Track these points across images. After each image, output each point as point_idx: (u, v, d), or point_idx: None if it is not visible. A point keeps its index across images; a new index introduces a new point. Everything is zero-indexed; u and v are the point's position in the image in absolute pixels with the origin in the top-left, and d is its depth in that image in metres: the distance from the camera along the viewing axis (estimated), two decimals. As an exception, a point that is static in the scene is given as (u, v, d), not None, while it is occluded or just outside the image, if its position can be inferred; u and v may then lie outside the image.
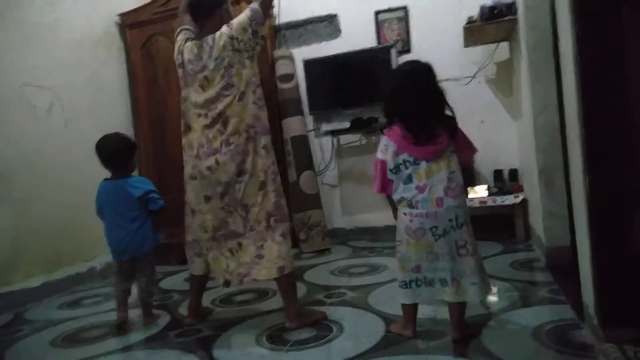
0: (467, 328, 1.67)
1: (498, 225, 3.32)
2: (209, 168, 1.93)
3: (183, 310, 2.31)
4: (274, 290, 2.42)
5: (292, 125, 3.59)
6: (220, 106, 1.91)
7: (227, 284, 2.01)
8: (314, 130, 3.83)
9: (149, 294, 2.19)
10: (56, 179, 3.02)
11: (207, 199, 1.96)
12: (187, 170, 2.04)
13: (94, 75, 3.45)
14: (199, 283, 2.14)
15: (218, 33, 1.94)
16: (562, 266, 2.26)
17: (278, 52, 3.71)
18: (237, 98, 1.91)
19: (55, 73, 3.11)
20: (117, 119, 3.59)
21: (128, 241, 2.09)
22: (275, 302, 2.27)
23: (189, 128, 2.01)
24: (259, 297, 2.43)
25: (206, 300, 2.29)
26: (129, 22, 3.66)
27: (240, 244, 1.95)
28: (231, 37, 1.91)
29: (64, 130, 3.13)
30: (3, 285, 2.66)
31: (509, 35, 3.10)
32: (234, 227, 1.94)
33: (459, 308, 1.63)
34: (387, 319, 1.91)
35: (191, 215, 2.05)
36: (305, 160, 3.58)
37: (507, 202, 3.09)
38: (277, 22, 3.82)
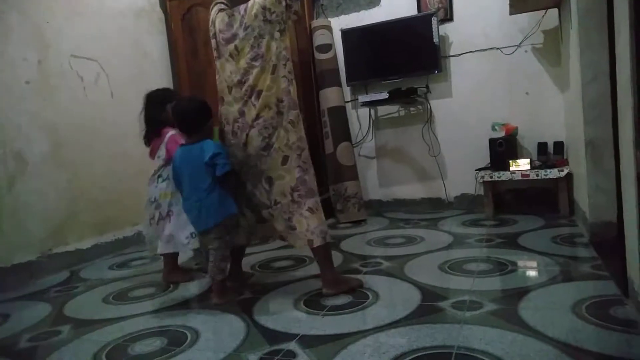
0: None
1: (540, 200, 3.25)
2: (244, 144, 1.96)
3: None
4: (311, 258, 2.48)
5: (330, 96, 3.58)
6: (251, 78, 1.92)
7: (265, 238, 2.22)
8: (351, 101, 3.81)
9: (219, 271, 1.98)
10: (104, 147, 3.16)
11: (241, 173, 2.02)
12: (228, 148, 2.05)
13: (137, 46, 3.54)
14: (239, 250, 2.21)
15: (251, 2, 1.93)
16: (607, 242, 2.21)
17: (316, 22, 3.68)
18: (269, 71, 1.90)
19: (100, 43, 3.21)
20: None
21: (197, 212, 1.95)
22: (313, 268, 2.32)
23: (223, 100, 2.04)
24: (296, 264, 2.50)
25: (246, 265, 2.37)
26: (169, -7, 3.70)
27: (271, 215, 2.00)
28: (264, 8, 1.89)
29: (110, 101, 3.25)
30: (60, 245, 2.86)
31: (558, 1, 2.94)
32: (261, 199, 2.00)
33: None
34: (423, 289, 1.93)
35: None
36: (343, 132, 3.58)
37: (551, 176, 3.00)
38: (315, -9, 3.77)
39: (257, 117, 1.92)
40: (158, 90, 2.47)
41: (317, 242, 1.93)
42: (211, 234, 1.96)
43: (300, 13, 2.04)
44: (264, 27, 1.90)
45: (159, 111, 2.32)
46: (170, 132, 2.31)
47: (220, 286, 2.01)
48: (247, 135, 1.94)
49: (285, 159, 1.94)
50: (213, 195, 1.92)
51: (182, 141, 2.20)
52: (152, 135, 2.36)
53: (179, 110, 2.00)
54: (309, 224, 1.93)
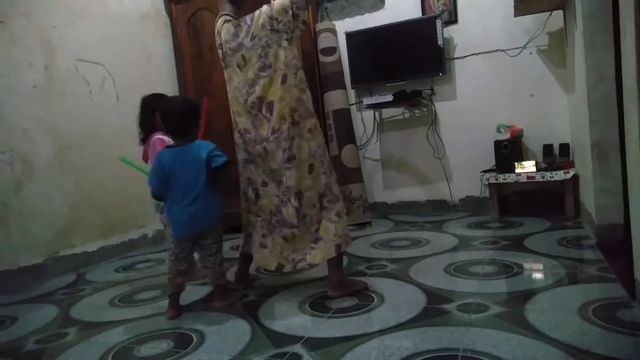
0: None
1: (546, 202, 3.24)
2: (259, 155, 1.96)
3: (230, 276, 2.40)
4: (315, 261, 2.48)
5: (334, 99, 3.58)
6: (258, 89, 1.91)
7: (280, 267, 2.02)
8: (356, 103, 3.81)
9: (221, 275, 1.98)
10: (109, 151, 3.17)
11: (265, 184, 2.00)
12: (240, 155, 2.06)
13: (143, 50, 3.56)
14: (248, 255, 2.21)
15: (257, 12, 1.93)
16: (614, 244, 2.20)
17: (320, 25, 3.68)
18: (278, 81, 1.90)
19: (106, 47, 3.23)
20: (165, 93, 3.70)
21: (192, 214, 1.86)
22: (317, 271, 2.32)
23: (233, 110, 2.05)
24: (301, 266, 2.50)
25: (250, 268, 2.37)
26: (174, -2, 3.72)
27: (294, 234, 1.98)
28: (271, 17, 1.89)
29: (116, 104, 3.27)
30: (67, 248, 2.88)
31: (563, 3, 2.94)
32: (287, 217, 1.96)
33: None
34: (428, 292, 1.93)
35: (254, 196, 2.06)
36: (347, 134, 3.58)
37: (557, 178, 2.99)
38: (319, -6, 3.79)
39: (274, 130, 1.91)
40: (152, 95, 2.39)
41: (345, 246, 1.96)
42: (207, 237, 1.94)
43: (308, 23, 2.04)
44: (271, 36, 1.90)
45: (152, 117, 2.27)
46: (156, 136, 2.26)
47: (222, 289, 2.01)
48: (264, 149, 1.94)
49: (311, 167, 1.95)
50: (209, 197, 1.89)
51: (166, 142, 2.15)
52: (145, 140, 2.34)
53: (169, 111, 1.91)
54: (336, 229, 1.95)
